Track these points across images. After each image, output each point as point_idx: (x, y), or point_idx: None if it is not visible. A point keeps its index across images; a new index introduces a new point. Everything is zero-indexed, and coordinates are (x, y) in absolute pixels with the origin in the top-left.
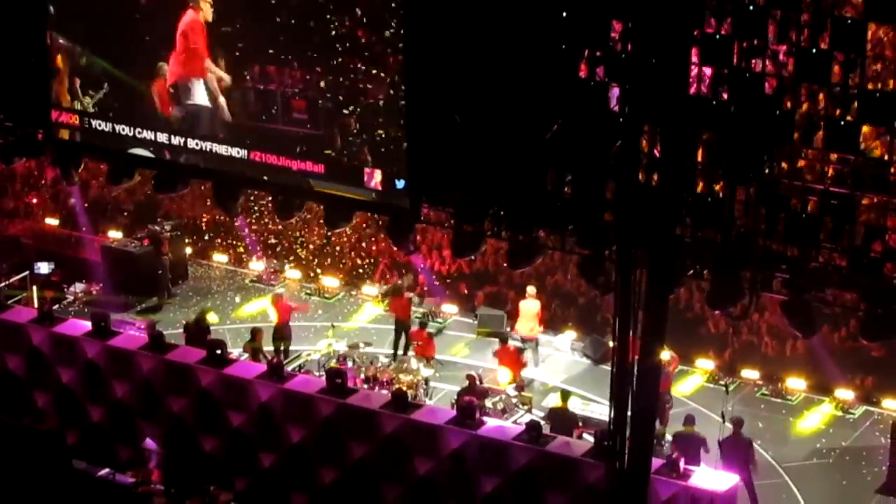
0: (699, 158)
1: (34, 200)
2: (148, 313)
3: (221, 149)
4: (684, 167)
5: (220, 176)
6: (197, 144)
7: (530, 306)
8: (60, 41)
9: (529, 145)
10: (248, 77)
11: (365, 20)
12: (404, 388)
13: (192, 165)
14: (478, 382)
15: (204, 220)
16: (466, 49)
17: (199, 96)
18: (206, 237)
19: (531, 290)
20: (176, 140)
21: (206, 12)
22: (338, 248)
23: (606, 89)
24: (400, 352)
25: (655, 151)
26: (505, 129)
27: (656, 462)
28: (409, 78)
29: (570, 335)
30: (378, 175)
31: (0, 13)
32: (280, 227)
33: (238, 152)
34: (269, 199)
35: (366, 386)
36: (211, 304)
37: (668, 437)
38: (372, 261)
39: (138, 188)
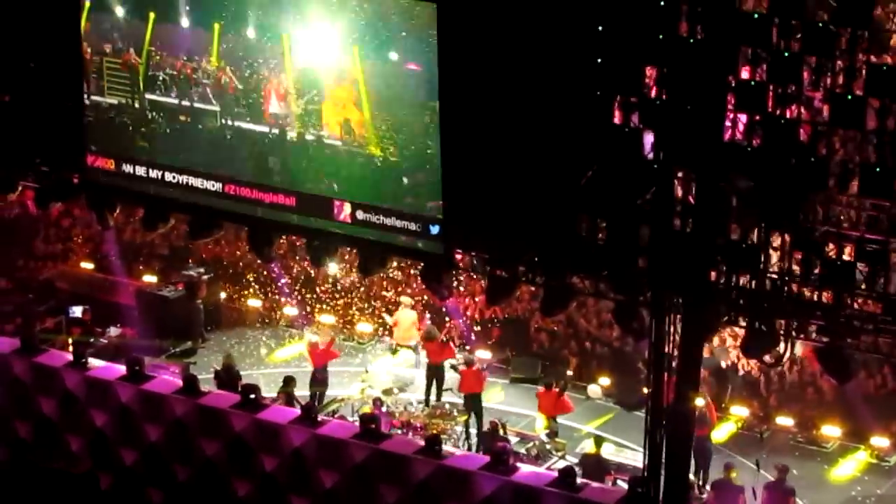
0: (733, 204)
1: (68, 244)
2: (182, 357)
3: (197, 181)
4: (718, 213)
5: (254, 222)
6: (174, 178)
7: (408, 316)
8: None
9: (563, 191)
10: None
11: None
12: (437, 433)
13: (226, 211)
14: (500, 430)
15: (240, 264)
16: (501, 94)
17: None
18: (241, 281)
19: (407, 300)
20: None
21: None
22: (371, 293)
23: (640, 135)
24: (432, 398)
25: (689, 197)
26: (539, 175)
27: None
28: (445, 122)
29: (603, 381)
30: (347, 207)
31: (36, 58)
32: (314, 272)
33: (213, 185)
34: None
35: (399, 431)
36: (244, 349)
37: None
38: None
39: (173, 231)
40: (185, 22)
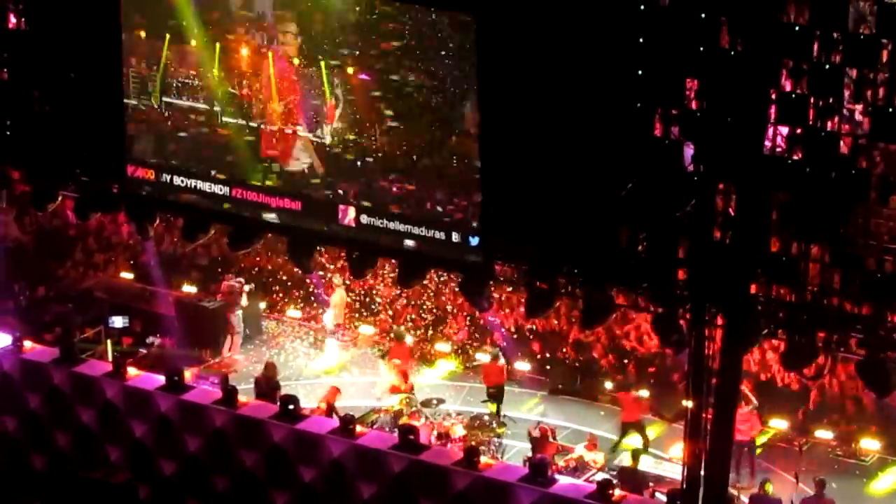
0: (774, 217)
1: (109, 255)
2: (221, 368)
3: (205, 185)
4: (758, 226)
5: (294, 232)
6: (209, 187)
7: (340, 297)
8: None
9: (603, 203)
10: None
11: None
12: (476, 444)
13: (267, 222)
14: (550, 437)
15: (280, 274)
16: (541, 106)
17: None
18: (281, 291)
19: (338, 280)
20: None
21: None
22: (411, 304)
23: (681, 147)
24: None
25: (730, 210)
26: (579, 187)
27: None
28: (485, 134)
29: (643, 394)
30: (351, 212)
31: (77, 69)
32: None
33: (220, 189)
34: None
35: (438, 442)
36: (283, 358)
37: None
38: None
39: (213, 241)
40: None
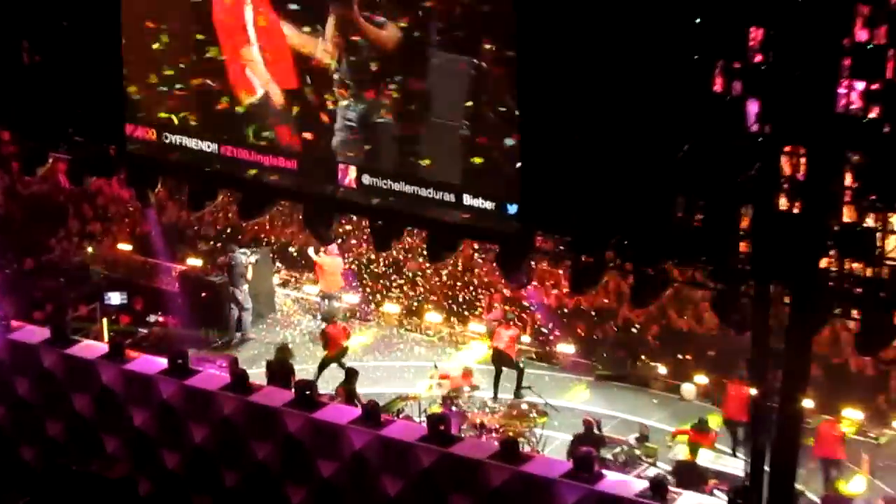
0: (847, 183)
1: (105, 224)
2: (230, 349)
3: (191, 142)
4: (830, 193)
5: (311, 199)
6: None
7: (337, 263)
8: None
9: (656, 167)
10: None
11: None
12: (514, 436)
13: (280, 186)
14: (595, 429)
15: (294, 245)
16: (586, 59)
17: None
18: (297, 265)
19: (333, 248)
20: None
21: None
22: (441, 280)
23: (743, 105)
24: (505, 395)
25: (798, 175)
26: (629, 149)
27: None
28: (523, 91)
29: (700, 380)
30: (352, 171)
31: (70, 16)
32: (378, 256)
33: (208, 147)
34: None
35: (472, 433)
36: (300, 340)
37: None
38: (479, 293)
39: (222, 209)
40: None
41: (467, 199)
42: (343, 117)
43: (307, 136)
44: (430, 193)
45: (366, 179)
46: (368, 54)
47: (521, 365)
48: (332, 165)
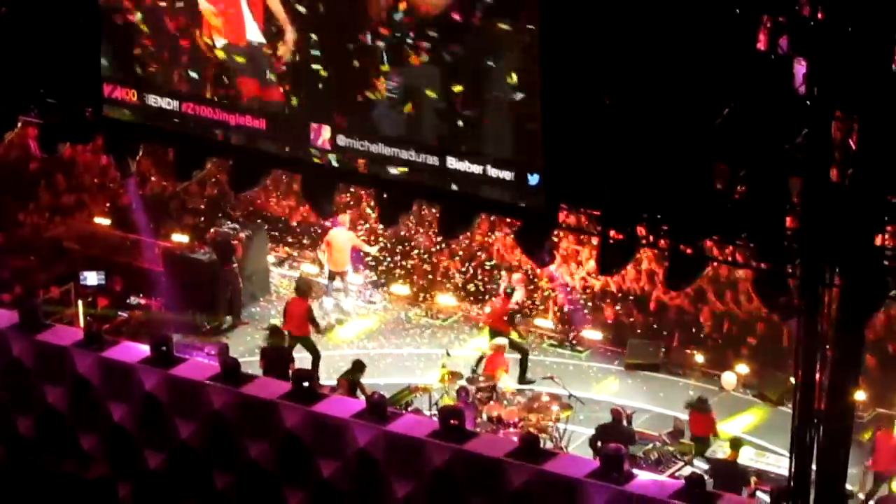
0: None
1: (81, 196)
2: (219, 335)
3: (150, 99)
4: (886, 162)
5: (310, 170)
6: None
7: (344, 238)
8: None
9: (694, 134)
10: None
11: None
12: (534, 431)
13: (275, 155)
14: (625, 421)
15: (293, 220)
16: (617, 13)
17: None
18: (295, 241)
19: (344, 218)
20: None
21: None
22: (454, 259)
23: (790, 65)
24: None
25: (851, 143)
26: (663, 114)
27: None
28: (546, 49)
29: (741, 369)
30: (326, 132)
31: None
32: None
33: (168, 104)
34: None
35: (488, 429)
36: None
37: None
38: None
39: (210, 179)
40: None
41: (480, 168)
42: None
43: (279, 90)
44: (435, 162)
45: (341, 140)
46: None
47: (521, 342)
48: (304, 125)
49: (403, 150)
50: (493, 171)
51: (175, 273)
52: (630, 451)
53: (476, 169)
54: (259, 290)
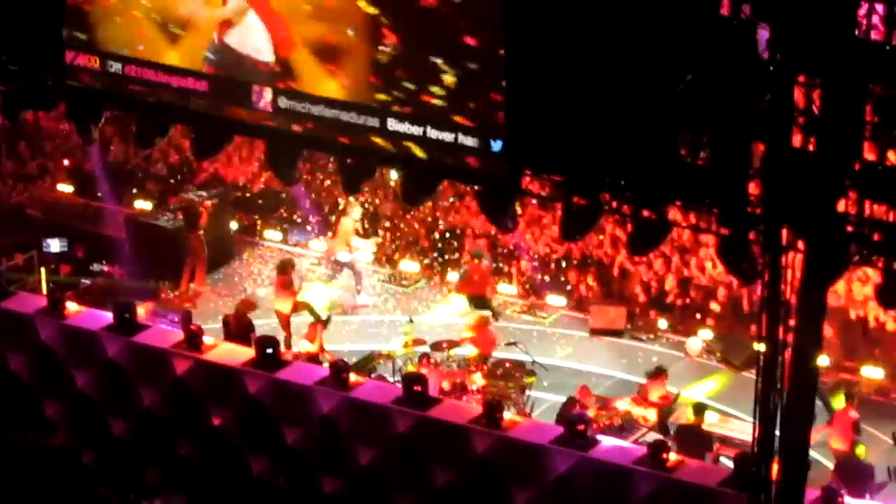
0: (868, 117)
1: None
2: (183, 303)
3: (112, 66)
4: (850, 128)
5: (274, 136)
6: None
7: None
8: None
9: (657, 99)
10: None
11: None
12: (498, 398)
13: (240, 121)
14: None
15: (255, 187)
16: None
17: None
18: (258, 209)
19: (353, 201)
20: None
21: None
22: (416, 226)
23: (754, 30)
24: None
25: (814, 108)
26: (627, 79)
27: (810, 494)
28: (509, 15)
29: (704, 335)
30: (268, 94)
31: None
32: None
33: (112, 66)
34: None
35: (452, 395)
36: (262, 293)
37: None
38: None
39: (173, 146)
40: None
41: (441, 134)
42: None
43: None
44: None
45: (282, 102)
46: None
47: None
48: (246, 87)
49: (344, 112)
50: (453, 137)
51: (138, 240)
52: (594, 417)
53: (442, 136)
54: (222, 257)
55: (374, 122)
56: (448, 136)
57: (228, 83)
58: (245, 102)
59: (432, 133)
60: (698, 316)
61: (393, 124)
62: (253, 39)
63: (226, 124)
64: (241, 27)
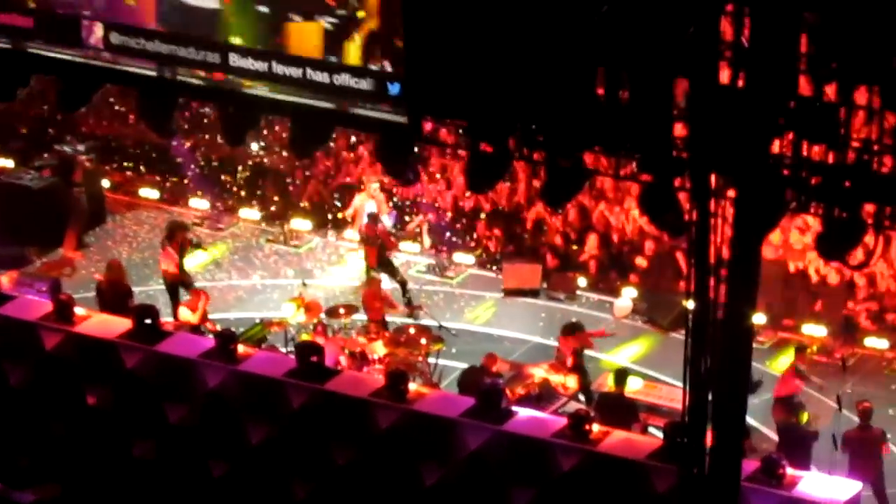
0: (803, 49)
1: None
2: (51, 270)
3: None
4: (782, 61)
5: (148, 84)
6: None
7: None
8: None
9: (570, 34)
10: None
11: None
12: (402, 367)
13: (114, 70)
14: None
15: (127, 142)
16: None
17: None
18: (131, 165)
19: (374, 179)
20: None
21: None
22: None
23: None
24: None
25: (743, 40)
26: (536, 12)
27: (748, 465)
28: None
29: (629, 293)
30: (98, 30)
31: None
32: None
33: None
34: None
35: (351, 366)
36: (137, 256)
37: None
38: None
39: (37, 99)
40: None
41: (330, 77)
42: None
43: None
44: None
45: (114, 38)
46: None
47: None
48: (73, 23)
49: (182, 46)
50: (347, 80)
51: (1, 201)
52: (509, 386)
53: (333, 79)
54: (94, 217)
55: (365, 84)
56: (341, 79)
57: (54, 19)
58: (75, 39)
59: (330, 77)
60: (621, 273)
61: (393, 89)
62: None
63: (99, 73)
64: None
